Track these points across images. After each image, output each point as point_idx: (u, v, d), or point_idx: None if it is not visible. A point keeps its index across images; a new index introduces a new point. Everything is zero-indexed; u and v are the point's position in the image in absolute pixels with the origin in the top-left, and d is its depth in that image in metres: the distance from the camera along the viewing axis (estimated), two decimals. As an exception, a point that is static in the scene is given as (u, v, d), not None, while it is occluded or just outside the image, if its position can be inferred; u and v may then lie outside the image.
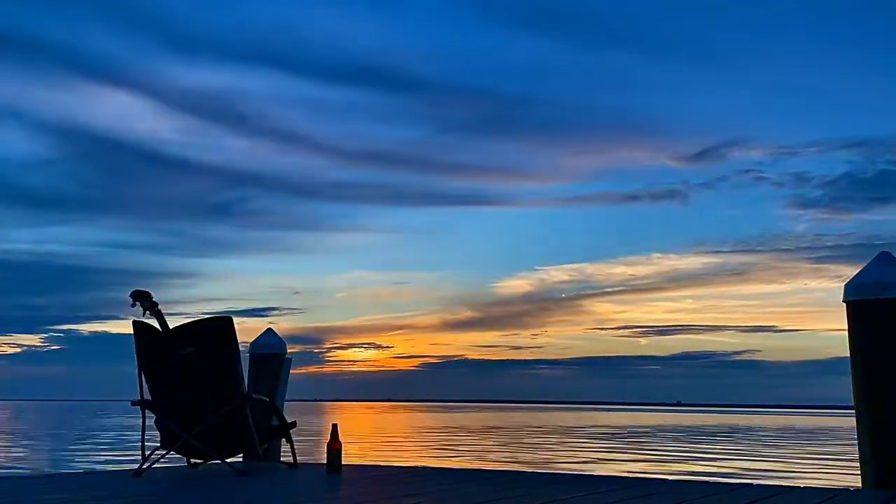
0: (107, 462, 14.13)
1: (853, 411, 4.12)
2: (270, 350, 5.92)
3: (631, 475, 7.27)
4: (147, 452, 4.59)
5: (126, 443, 20.32)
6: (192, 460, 4.97)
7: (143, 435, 4.74)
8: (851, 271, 4.18)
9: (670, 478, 6.83)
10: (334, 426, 4.67)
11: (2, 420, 40.34)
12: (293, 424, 5.09)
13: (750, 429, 37.73)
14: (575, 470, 12.53)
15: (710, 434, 30.58)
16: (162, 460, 4.70)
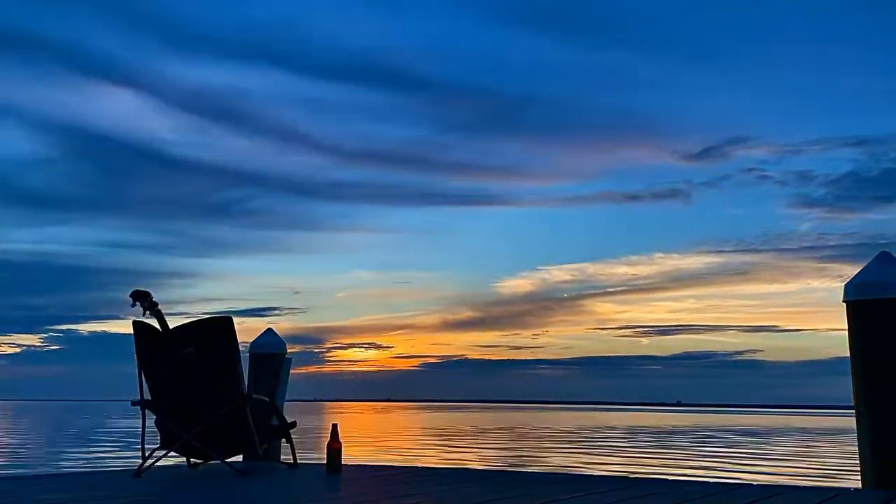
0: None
1: (853, 411, 4.12)
2: (270, 350, 5.92)
3: (631, 475, 7.28)
4: (147, 452, 4.59)
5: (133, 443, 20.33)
6: (192, 460, 4.97)
7: (143, 435, 4.74)
8: (855, 271, 4.17)
9: (670, 478, 6.84)
10: (334, 426, 4.67)
11: (19, 421, 40.35)
12: (293, 424, 5.09)
13: (771, 430, 37.68)
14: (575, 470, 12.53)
15: (723, 435, 30.57)
16: (162, 460, 4.70)
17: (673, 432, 31.70)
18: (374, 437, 25.31)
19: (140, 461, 4.57)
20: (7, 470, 12.14)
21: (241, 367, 4.70)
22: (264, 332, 6.07)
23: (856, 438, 4.15)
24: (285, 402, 5.73)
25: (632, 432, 30.79)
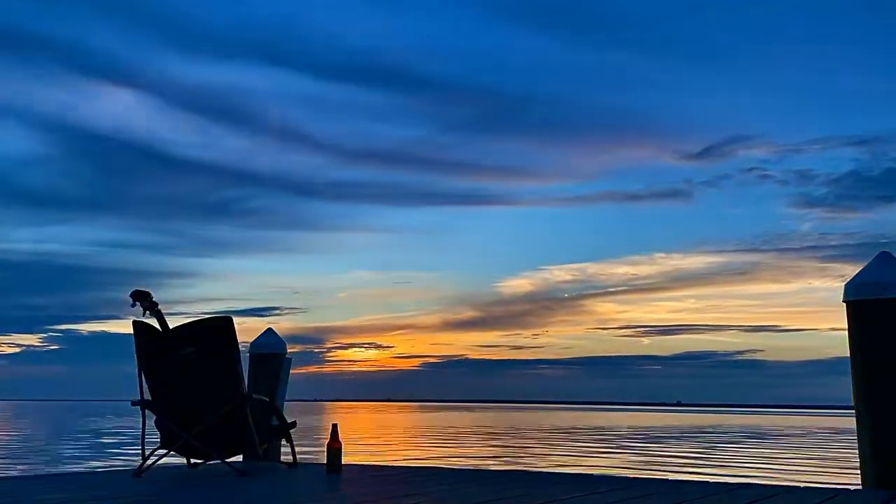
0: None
1: (853, 411, 4.12)
2: (270, 350, 5.92)
3: (631, 475, 7.27)
4: (147, 452, 4.59)
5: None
6: (192, 460, 4.97)
7: (143, 435, 4.74)
8: (856, 271, 4.17)
9: (670, 478, 6.83)
10: (334, 426, 4.67)
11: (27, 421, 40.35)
12: (293, 424, 5.09)
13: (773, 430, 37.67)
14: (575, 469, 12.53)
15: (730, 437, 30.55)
16: (162, 460, 4.70)
17: (661, 433, 31.70)
18: (375, 437, 25.31)
19: (140, 461, 4.57)
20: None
21: (241, 367, 4.70)
22: (264, 332, 6.07)
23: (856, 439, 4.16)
24: (285, 402, 5.73)
25: (611, 432, 30.78)
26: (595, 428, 35.34)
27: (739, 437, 28.65)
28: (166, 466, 4.96)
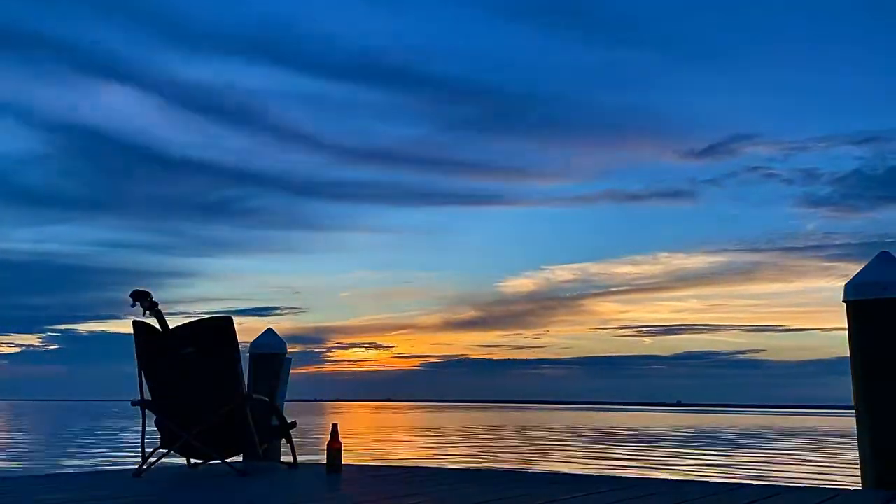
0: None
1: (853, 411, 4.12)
2: (270, 350, 5.92)
3: (631, 475, 7.28)
4: (147, 452, 4.59)
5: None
6: (192, 460, 4.97)
7: (143, 435, 4.74)
8: (859, 270, 4.16)
9: (670, 478, 6.83)
10: (334, 426, 4.67)
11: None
12: (293, 424, 5.09)
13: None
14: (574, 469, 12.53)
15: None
16: (162, 460, 4.70)
17: (641, 433, 31.69)
18: (375, 437, 25.31)
19: (140, 461, 4.57)
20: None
21: (241, 367, 4.70)
22: (264, 332, 6.07)
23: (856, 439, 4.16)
24: (285, 402, 5.73)
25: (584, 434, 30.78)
26: (567, 429, 35.34)
27: (734, 438, 28.65)
28: (166, 466, 4.96)
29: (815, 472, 13.40)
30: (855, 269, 4.15)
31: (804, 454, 18.99)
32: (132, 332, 4.71)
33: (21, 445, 19.32)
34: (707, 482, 4.65)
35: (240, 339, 4.67)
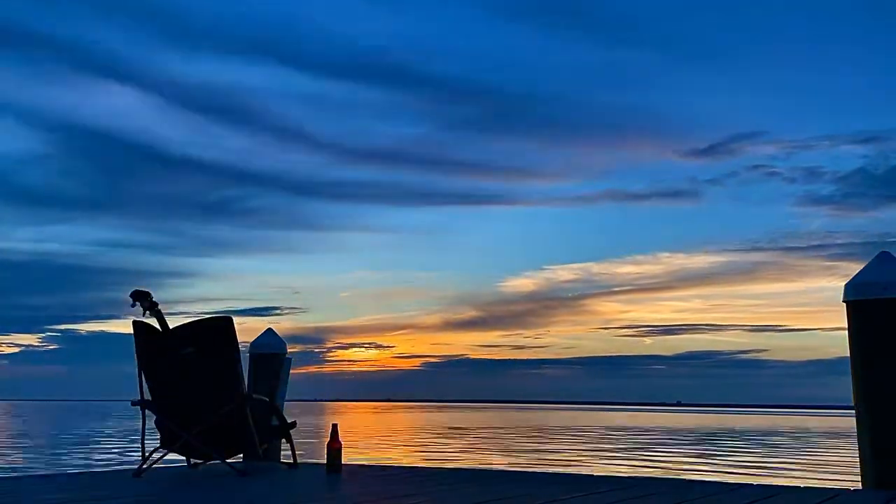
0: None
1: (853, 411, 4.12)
2: (270, 350, 5.92)
3: (631, 475, 7.27)
4: (147, 452, 4.59)
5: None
6: (192, 460, 4.97)
7: (143, 435, 4.74)
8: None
9: (670, 477, 6.84)
10: (334, 426, 4.67)
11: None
12: (293, 424, 5.09)
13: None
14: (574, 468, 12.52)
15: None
16: (162, 460, 4.70)
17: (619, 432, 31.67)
18: (376, 437, 25.31)
19: (140, 461, 4.58)
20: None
21: (241, 367, 4.70)
22: (264, 332, 6.06)
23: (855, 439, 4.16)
24: (285, 402, 5.73)
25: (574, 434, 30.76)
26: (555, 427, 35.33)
27: (728, 438, 28.64)
28: (166, 466, 4.96)
29: (815, 472, 13.40)
30: (857, 268, 4.15)
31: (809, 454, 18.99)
32: (132, 332, 4.71)
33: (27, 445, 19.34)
34: (707, 482, 4.66)
35: (240, 339, 4.67)
